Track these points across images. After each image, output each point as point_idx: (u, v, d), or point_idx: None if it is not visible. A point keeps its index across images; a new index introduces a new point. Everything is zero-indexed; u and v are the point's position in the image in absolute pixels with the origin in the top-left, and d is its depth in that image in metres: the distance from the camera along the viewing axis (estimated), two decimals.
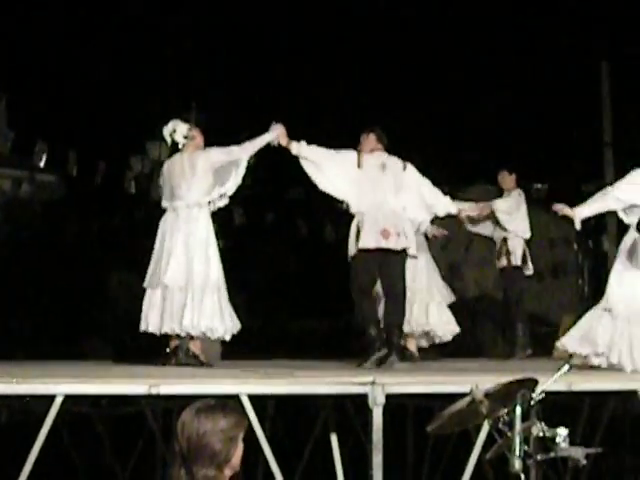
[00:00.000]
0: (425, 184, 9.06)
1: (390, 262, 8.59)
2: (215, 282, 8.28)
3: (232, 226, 16.18)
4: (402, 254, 8.51)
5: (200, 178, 8.34)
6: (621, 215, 8.72)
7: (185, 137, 8.46)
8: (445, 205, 9.32)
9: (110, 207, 21.74)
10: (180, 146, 8.50)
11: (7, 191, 22.47)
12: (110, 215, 21.68)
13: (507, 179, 10.66)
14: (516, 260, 10.62)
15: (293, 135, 8.64)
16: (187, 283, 8.16)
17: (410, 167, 9.00)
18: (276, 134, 8.54)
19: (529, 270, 10.97)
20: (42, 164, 21.92)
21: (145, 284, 8.37)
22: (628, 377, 7.88)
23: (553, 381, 4.64)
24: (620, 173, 9.02)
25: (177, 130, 8.45)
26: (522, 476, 4.19)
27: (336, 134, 9.91)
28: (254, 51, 23.74)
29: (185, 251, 8.21)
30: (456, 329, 10.61)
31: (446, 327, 10.61)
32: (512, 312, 11.17)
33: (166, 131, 8.51)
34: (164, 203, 8.44)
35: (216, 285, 8.28)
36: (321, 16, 22.86)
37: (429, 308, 10.46)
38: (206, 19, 23.63)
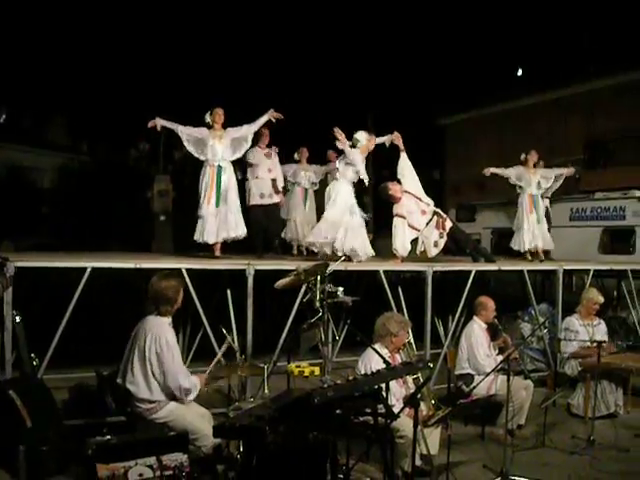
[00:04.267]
0: None
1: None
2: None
3: None
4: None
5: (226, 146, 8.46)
6: None
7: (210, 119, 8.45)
8: None
9: (118, 172, 23.97)
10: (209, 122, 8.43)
11: (68, 164, 26.18)
12: (119, 175, 23.69)
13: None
14: None
15: None
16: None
17: None
18: (270, 115, 8.58)
19: None
20: (85, 150, 28.47)
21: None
22: (372, 264, 8.84)
23: (336, 265, 6.22)
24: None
25: (207, 116, 8.43)
26: (320, 310, 5.58)
27: None
28: None
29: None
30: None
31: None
32: None
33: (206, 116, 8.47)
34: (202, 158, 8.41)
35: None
36: None
37: None
38: None
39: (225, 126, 8.53)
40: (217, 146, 8.38)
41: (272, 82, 23.67)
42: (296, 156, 11.86)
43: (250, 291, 7.27)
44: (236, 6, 24.32)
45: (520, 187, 11.27)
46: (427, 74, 26.05)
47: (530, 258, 11.09)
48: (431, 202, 9.49)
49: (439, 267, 8.77)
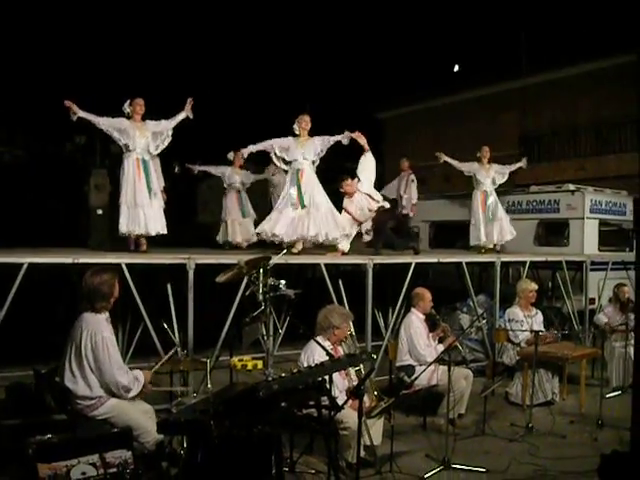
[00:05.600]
0: None
1: None
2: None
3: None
4: None
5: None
6: None
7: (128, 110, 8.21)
8: None
9: (54, 166, 23.10)
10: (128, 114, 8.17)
11: (1, 157, 25.43)
12: (54, 169, 22.96)
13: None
14: None
15: None
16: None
17: None
18: (187, 112, 8.40)
19: None
20: (19, 143, 26.63)
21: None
22: (313, 257, 8.76)
23: (278, 258, 6.17)
24: None
25: (125, 106, 8.15)
26: (262, 303, 5.43)
27: None
28: None
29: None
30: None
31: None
32: None
33: (125, 106, 8.17)
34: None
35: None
36: None
37: None
38: None
39: (144, 118, 8.35)
40: (139, 139, 8.15)
41: (205, 77, 23.35)
42: (230, 156, 11.56)
43: (191, 285, 7.17)
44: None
45: (475, 182, 11.55)
46: (366, 68, 26.09)
47: (483, 251, 11.43)
48: (381, 198, 9.47)
49: (379, 260, 8.81)
